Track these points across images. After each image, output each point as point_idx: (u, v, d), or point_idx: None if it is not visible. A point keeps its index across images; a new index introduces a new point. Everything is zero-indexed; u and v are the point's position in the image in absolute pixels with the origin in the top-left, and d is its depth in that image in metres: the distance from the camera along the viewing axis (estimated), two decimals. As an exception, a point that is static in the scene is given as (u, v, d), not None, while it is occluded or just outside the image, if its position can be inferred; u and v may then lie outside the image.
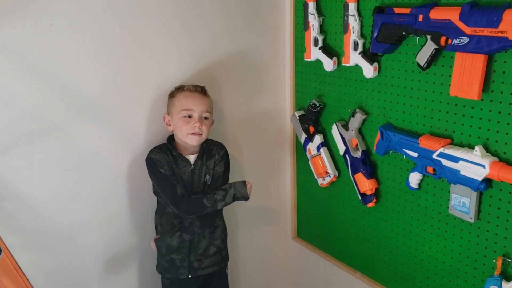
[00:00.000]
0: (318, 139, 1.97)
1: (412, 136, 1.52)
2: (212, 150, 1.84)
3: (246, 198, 1.76)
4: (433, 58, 1.41)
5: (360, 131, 1.79)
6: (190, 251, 1.82)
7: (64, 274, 1.74)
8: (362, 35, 1.67)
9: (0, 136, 1.50)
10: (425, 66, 1.43)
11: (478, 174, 1.32)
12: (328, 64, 1.81)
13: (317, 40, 1.84)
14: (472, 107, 1.37)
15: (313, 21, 1.83)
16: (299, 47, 2.02)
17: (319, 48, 1.84)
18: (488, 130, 1.35)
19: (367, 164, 1.75)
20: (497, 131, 1.32)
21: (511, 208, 1.34)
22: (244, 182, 1.76)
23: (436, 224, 1.59)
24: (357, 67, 1.71)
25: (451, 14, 1.29)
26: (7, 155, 1.52)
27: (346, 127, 1.81)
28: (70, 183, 1.67)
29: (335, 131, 1.86)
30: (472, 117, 1.38)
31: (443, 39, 1.35)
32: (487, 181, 1.35)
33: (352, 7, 1.64)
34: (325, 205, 2.10)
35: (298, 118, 2.06)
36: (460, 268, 1.54)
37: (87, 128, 1.66)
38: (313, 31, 1.84)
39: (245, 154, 2.15)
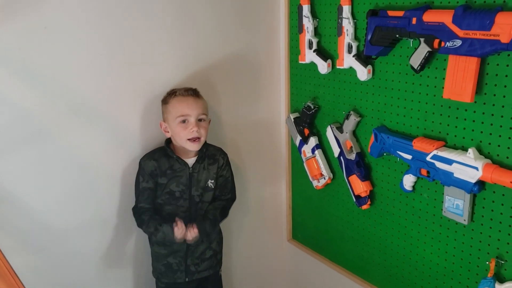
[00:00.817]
0: (313, 141, 1.97)
1: (406, 139, 1.53)
2: (215, 155, 1.85)
3: (174, 240, 1.72)
4: (427, 60, 1.41)
5: (354, 133, 1.79)
6: (187, 254, 1.82)
7: (58, 278, 1.73)
8: (356, 37, 1.68)
9: (-5, 139, 1.50)
10: (418, 68, 1.43)
11: (472, 176, 1.33)
12: (323, 67, 1.82)
13: (312, 42, 1.84)
14: (466, 110, 1.38)
15: (308, 24, 1.83)
16: (294, 50, 2.03)
17: (314, 51, 1.84)
18: (482, 132, 1.35)
19: (361, 166, 1.75)
20: (490, 134, 1.33)
21: (504, 210, 1.35)
22: (171, 226, 1.71)
23: (430, 226, 1.59)
24: (351, 70, 1.71)
25: (444, 17, 1.29)
26: (1, 158, 1.51)
27: (340, 129, 1.81)
28: (65, 187, 1.67)
29: (329, 134, 1.87)
30: (465, 119, 1.39)
31: (436, 41, 1.35)
32: (481, 183, 1.35)
33: (346, 10, 1.65)
34: (320, 207, 2.10)
35: (293, 120, 2.06)
36: (454, 270, 1.54)
37: (83, 131, 1.66)
38: (308, 33, 1.85)
39: (240, 156, 2.15)
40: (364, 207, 1.79)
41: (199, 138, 1.72)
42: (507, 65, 1.25)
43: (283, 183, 2.33)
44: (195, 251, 1.83)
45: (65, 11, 1.52)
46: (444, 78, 1.36)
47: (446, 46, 1.30)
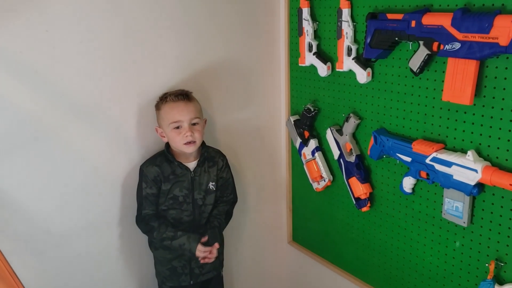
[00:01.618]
0: (313, 143, 1.98)
1: (406, 141, 1.53)
2: (215, 157, 1.86)
3: (192, 253, 1.75)
4: (426, 63, 1.42)
5: (354, 135, 1.80)
6: (191, 257, 1.82)
7: (59, 281, 1.73)
8: (355, 40, 1.68)
9: (-6, 142, 1.50)
10: (417, 71, 1.44)
11: (471, 178, 1.33)
12: (322, 70, 1.82)
13: (312, 45, 1.85)
14: (465, 112, 1.38)
15: (308, 27, 1.84)
16: (294, 53, 2.03)
17: (314, 54, 1.85)
18: (481, 135, 1.36)
19: (361, 168, 1.76)
20: (490, 136, 1.33)
21: (503, 213, 1.35)
22: (198, 239, 1.75)
23: (430, 228, 1.59)
24: (350, 73, 1.72)
25: (443, 20, 1.30)
26: (2, 162, 1.52)
27: (340, 131, 1.82)
28: (66, 190, 1.67)
29: (329, 136, 1.87)
30: (464, 122, 1.39)
31: (435, 44, 1.36)
32: (480, 186, 1.36)
33: (346, 13, 1.66)
34: (320, 210, 2.11)
35: (293, 122, 2.06)
36: (454, 272, 1.55)
37: (83, 134, 1.66)
38: (308, 36, 1.85)
39: (240, 159, 2.15)
40: (364, 209, 1.79)
41: (194, 141, 1.72)
42: (506, 68, 1.25)
43: (284, 186, 2.34)
44: None
45: (66, 14, 1.53)
46: (443, 81, 1.36)
47: (445, 49, 1.31)
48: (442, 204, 1.50)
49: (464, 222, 1.44)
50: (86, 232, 1.75)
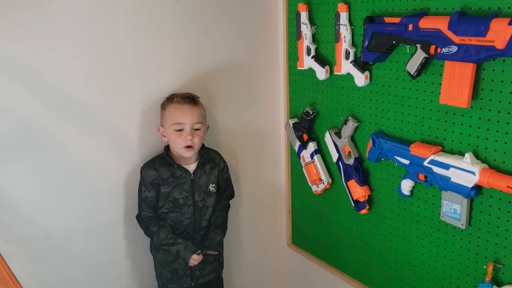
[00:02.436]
0: (311, 146, 1.99)
1: (404, 144, 1.54)
2: (215, 158, 1.88)
3: (185, 262, 1.77)
4: (423, 66, 1.43)
5: (352, 138, 1.80)
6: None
7: (58, 283, 1.73)
8: (353, 44, 1.69)
9: (-6, 146, 1.51)
10: (415, 74, 1.45)
11: (469, 181, 1.34)
12: (321, 73, 1.83)
13: (310, 49, 1.86)
14: (462, 115, 1.39)
15: (306, 30, 1.85)
16: (292, 56, 2.04)
17: (312, 57, 1.86)
18: (478, 137, 1.36)
19: (359, 171, 1.76)
20: (487, 138, 1.34)
21: (501, 215, 1.36)
22: (195, 251, 1.77)
23: (428, 230, 1.60)
24: (349, 76, 1.73)
25: (440, 24, 1.31)
26: (2, 165, 1.52)
27: (339, 134, 1.82)
28: (66, 193, 1.68)
29: (328, 139, 1.88)
30: (462, 124, 1.40)
31: (432, 48, 1.37)
32: (478, 188, 1.36)
33: (344, 17, 1.66)
34: (319, 212, 2.11)
35: (292, 126, 2.07)
36: (452, 274, 1.55)
37: (82, 137, 1.67)
38: (306, 40, 1.86)
39: (240, 162, 2.16)
40: (363, 211, 1.80)
41: (192, 146, 1.73)
42: (503, 71, 1.26)
43: (283, 188, 2.34)
44: None
45: (66, 19, 1.54)
46: (440, 84, 1.37)
47: (442, 52, 1.31)
48: (440, 206, 1.50)
49: (462, 224, 1.44)
50: (86, 235, 1.76)
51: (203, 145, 1.83)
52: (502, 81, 1.27)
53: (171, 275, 1.85)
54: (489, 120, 1.32)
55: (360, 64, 1.65)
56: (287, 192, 2.32)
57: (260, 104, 2.17)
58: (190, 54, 1.87)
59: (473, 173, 1.32)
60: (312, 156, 1.99)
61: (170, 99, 1.74)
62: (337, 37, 1.71)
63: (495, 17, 1.18)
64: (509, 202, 1.33)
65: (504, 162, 1.31)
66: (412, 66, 1.44)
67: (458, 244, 1.51)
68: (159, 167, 1.76)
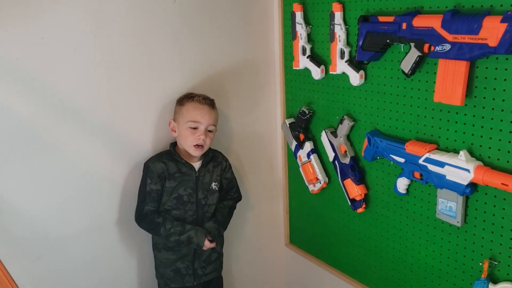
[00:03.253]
0: (308, 146, 1.99)
1: (399, 142, 1.54)
2: (218, 157, 1.91)
3: (200, 247, 1.79)
4: (417, 65, 1.43)
5: (348, 137, 1.81)
6: (194, 258, 1.85)
7: (56, 284, 1.73)
8: (348, 43, 1.70)
9: (-8, 147, 1.51)
10: (409, 73, 1.45)
11: (464, 178, 1.34)
12: (316, 73, 1.84)
13: (305, 49, 1.86)
14: (456, 113, 1.40)
15: (301, 30, 1.85)
16: (288, 56, 2.05)
17: (307, 57, 1.86)
18: (472, 135, 1.37)
19: (355, 170, 1.77)
20: (481, 136, 1.35)
21: (496, 212, 1.36)
22: (205, 233, 1.79)
23: (425, 228, 1.60)
24: (344, 75, 1.73)
25: (434, 22, 1.31)
26: (0, 166, 1.53)
27: (335, 134, 1.83)
28: (64, 194, 1.68)
29: (324, 138, 1.89)
30: (456, 122, 1.40)
31: (426, 46, 1.37)
32: (473, 185, 1.37)
33: (338, 16, 1.67)
34: (316, 212, 2.12)
35: (288, 125, 2.08)
36: (449, 271, 1.55)
37: (81, 139, 1.67)
38: (301, 40, 1.87)
39: (237, 162, 2.16)
40: (359, 210, 1.80)
41: (203, 146, 1.76)
42: (496, 68, 1.26)
43: (280, 188, 2.35)
44: (201, 254, 1.86)
45: (61, 21, 1.54)
46: (434, 82, 1.37)
47: (435, 50, 1.32)
48: (436, 204, 1.51)
49: (458, 222, 1.45)
50: (84, 236, 1.76)
51: None
52: (495, 79, 1.27)
53: (174, 275, 1.85)
54: (483, 117, 1.33)
55: (355, 64, 1.66)
56: (284, 192, 2.32)
57: (256, 104, 2.18)
58: (187, 56, 1.87)
59: (468, 170, 1.32)
60: (308, 155, 1.99)
61: (190, 97, 1.77)
62: (332, 36, 1.71)
63: (487, 15, 1.19)
64: (504, 199, 1.33)
65: (498, 159, 1.31)
66: (406, 64, 1.45)
67: (454, 242, 1.51)
68: (166, 161, 1.78)
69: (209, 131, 1.79)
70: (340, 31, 1.68)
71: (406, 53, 1.45)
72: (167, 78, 1.84)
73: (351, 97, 1.76)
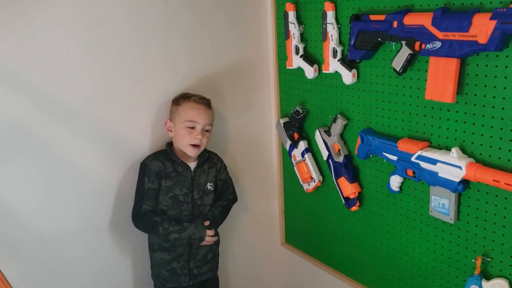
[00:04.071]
0: (302, 145, 1.99)
1: (391, 140, 1.55)
2: (213, 158, 1.92)
3: (202, 240, 1.80)
4: (409, 63, 1.44)
5: (342, 136, 1.81)
6: (189, 258, 1.85)
7: (51, 286, 1.74)
8: (340, 42, 1.70)
9: (-15, 149, 1.51)
10: (401, 71, 1.46)
11: (456, 175, 1.35)
12: (309, 72, 1.84)
13: (298, 48, 1.87)
14: (448, 110, 1.40)
15: (294, 30, 1.86)
16: (282, 56, 2.06)
17: (300, 56, 1.87)
18: (464, 132, 1.37)
19: (349, 168, 1.77)
20: (473, 133, 1.35)
21: (489, 208, 1.37)
22: (203, 223, 1.81)
23: (418, 226, 1.61)
24: (337, 74, 1.74)
25: (424, 20, 1.32)
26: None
27: (328, 132, 1.83)
28: (57, 194, 1.68)
29: (318, 137, 1.89)
30: (448, 119, 1.41)
31: (417, 44, 1.38)
32: (465, 182, 1.37)
33: (330, 16, 1.68)
34: (311, 210, 2.12)
35: (282, 125, 2.08)
36: (442, 268, 1.56)
37: (74, 140, 1.68)
38: (294, 39, 1.87)
39: (232, 162, 2.16)
40: (353, 208, 1.81)
41: (199, 146, 1.77)
42: (486, 65, 1.27)
43: (275, 188, 2.35)
44: (197, 254, 1.87)
45: (54, 22, 1.55)
46: (426, 80, 1.38)
47: (426, 48, 1.33)
48: (429, 201, 1.51)
49: (450, 219, 1.45)
50: (79, 236, 1.76)
51: None
52: (486, 76, 1.28)
53: (169, 275, 1.85)
54: (474, 114, 1.34)
55: (347, 62, 1.66)
56: (279, 191, 2.33)
57: (251, 104, 2.18)
58: (180, 56, 1.87)
59: (460, 167, 1.32)
60: (303, 154, 2.00)
61: (187, 97, 1.79)
62: (324, 36, 1.72)
63: (477, 12, 1.20)
64: (496, 196, 1.34)
65: (490, 156, 1.32)
66: (398, 62, 1.46)
67: (447, 239, 1.52)
68: (163, 160, 1.79)
69: (206, 130, 1.80)
70: (332, 30, 1.68)
71: (398, 51, 1.45)
72: (161, 78, 1.84)
73: (344, 96, 1.76)
